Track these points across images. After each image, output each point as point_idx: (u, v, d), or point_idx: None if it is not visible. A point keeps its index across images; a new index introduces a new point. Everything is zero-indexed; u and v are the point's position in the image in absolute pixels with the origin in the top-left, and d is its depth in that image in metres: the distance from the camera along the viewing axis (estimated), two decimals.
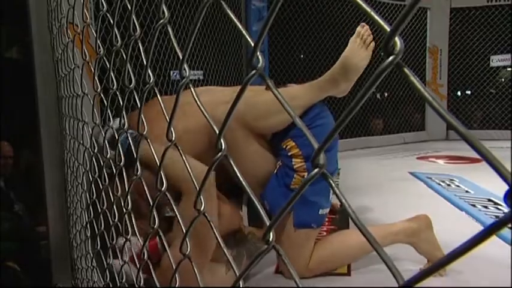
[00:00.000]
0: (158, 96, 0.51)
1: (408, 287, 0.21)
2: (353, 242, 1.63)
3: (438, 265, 0.23)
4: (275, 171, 1.57)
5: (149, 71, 0.48)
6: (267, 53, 4.52)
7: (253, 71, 0.29)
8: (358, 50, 1.53)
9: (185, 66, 0.38)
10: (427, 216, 1.70)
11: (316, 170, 0.25)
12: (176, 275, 0.50)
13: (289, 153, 1.54)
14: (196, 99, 0.39)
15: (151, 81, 0.48)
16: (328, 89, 1.56)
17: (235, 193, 1.60)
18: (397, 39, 0.21)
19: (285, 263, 0.31)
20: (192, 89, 0.41)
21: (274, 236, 0.31)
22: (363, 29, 1.54)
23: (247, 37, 0.31)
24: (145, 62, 0.47)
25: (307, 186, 0.28)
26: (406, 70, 0.22)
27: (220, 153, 0.35)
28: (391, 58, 0.22)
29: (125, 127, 0.64)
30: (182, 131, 1.37)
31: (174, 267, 0.49)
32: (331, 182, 0.25)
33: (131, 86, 0.55)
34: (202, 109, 0.39)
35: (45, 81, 1.47)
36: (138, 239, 1.21)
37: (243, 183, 0.36)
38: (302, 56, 5.25)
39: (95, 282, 1.06)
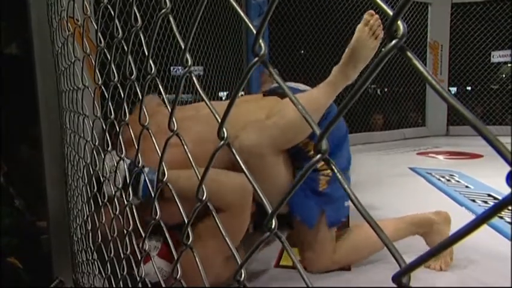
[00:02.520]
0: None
1: (409, 270, 0.21)
2: (373, 233, 1.62)
3: (439, 248, 0.23)
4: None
5: (150, 61, 0.48)
6: (267, 55, 4.48)
7: (256, 58, 0.29)
8: (366, 40, 1.42)
9: (187, 55, 0.38)
10: (448, 213, 1.71)
11: (318, 155, 0.25)
12: (178, 265, 0.50)
13: (310, 154, 1.49)
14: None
15: (152, 71, 0.48)
16: (342, 84, 1.49)
17: None
18: (400, 23, 0.21)
19: (288, 252, 0.31)
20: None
21: (276, 223, 0.31)
22: (372, 18, 1.42)
23: (250, 25, 0.31)
24: (146, 53, 0.47)
25: (328, 182, 0.28)
26: (409, 53, 0.22)
27: (222, 142, 0.35)
28: (394, 41, 0.22)
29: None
30: (194, 144, 1.25)
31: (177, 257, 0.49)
32: (333, 167, 0.25)
33: (132, 77, 0.55)
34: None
35: (45, 76, 1.46)
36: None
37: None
38: (302, 51, 5.24)
39: (96, 276, 1.06)
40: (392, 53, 0.24)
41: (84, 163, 1.02)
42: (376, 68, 0.23)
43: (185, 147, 0.45)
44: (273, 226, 0.30)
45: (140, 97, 0.53)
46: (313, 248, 1.57)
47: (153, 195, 0.58)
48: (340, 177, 0.25)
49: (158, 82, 0.49)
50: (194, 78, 0.39)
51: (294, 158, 1.53)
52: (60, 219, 1.52)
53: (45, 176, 1.54)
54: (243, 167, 0.34)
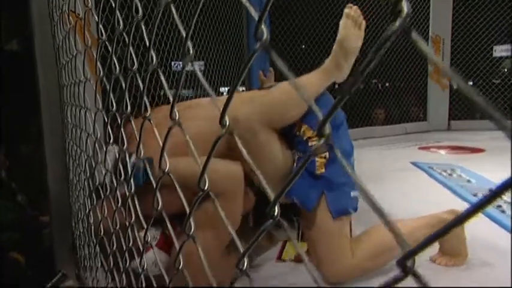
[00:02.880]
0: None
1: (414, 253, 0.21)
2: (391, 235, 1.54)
3: (441, 232, 0.23)
4: (294, 165, 1.48)
5: (152, 52, 0.48)
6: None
7: (259, 43, 0.29)
8: (350, 32, 1.49)
9: (189, 44, 0.38)
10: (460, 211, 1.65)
11: (322, 140, 0.25)
12: (180, 256, 0.50)
13: (305, 138, 1.47)
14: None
15: (154, 62, 0.48)
16: (334, 74, 1.52)
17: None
18: (404, 3, 0.21)
19: (292, 241, 0.31)
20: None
21: (279, 210, 0.31)
22: (351, 10, 1.50)
23: (251, 9, 0.31)
24: (148, 43, 0.47)
25: (330, 167, 0.28)
26: (414, 35, 0.22)
27: (224, 130, 0.34)
28: (398, 22, 0.22)
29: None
30: (196, 134, 1.29)
31: (178, 248, 0.49)
32: (338, 153, 0.25)
33: (134, 68, 0.55)
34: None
35: (46, 70, 1.46)
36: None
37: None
38: (303, 46, 5.23)
39: (98, 269, 1.07)
40: (395, 40, 0.24)
41: (85, 157, 1.02)
42: (380, 48, 0.23)
43: (186, 136, 0.45)
44: (275, 213, 0.30)
45: (141, 89, 0.52)
46: (322, 244, 1.48)
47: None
48: (344, 162, 0.25)
49: (160, 73, 0.49)
50: (196, 68, 0.39)
51: (290, 142, 1.50)
52: (62, 214, 1.53)
53: (47, 170, 1.55)
54: (242, 150, 0.34)
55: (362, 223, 1.62)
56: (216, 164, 1.25)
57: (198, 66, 3.59)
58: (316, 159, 1.46)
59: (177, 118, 0.44)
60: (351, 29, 1.49)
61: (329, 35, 4.86)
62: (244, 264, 0.36)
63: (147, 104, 0.55)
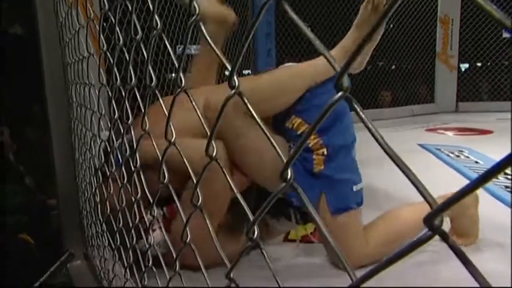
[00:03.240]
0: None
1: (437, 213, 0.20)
2: (407, 219, 1.48)
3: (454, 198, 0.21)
4: None
5: (156, 17, 0.46)
6: (273, 34, 4.44)
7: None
8: (370, 18, 1.40)
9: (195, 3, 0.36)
10: (477, 194, 1.57)
11: (340, 93, 0.23)
12: (187, 229, 0.49)
13: (298, 132, 1.39)
14: None
15: (158, 27, 0.46)
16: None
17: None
18: None
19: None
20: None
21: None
22: None
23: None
24: (151, 8, 0.45)
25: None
26: None
27: (234, 91, 0.33)
28: None
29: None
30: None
31: (184, 220, 0.48)
32: (355, 106, 0.23)
33: (138, 37, 0.53)
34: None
35: (50, 49, 1.44)
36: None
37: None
38: (310, 29, 5.14)
39: (105, 247, 1.07)
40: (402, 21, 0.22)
41: (91, 134, 1.01)
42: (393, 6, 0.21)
43: (193, 104, 0.43)
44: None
45: (146, 57, 0.51)
46: (339, 245, 1.47)
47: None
48: (364, 117, 0.23)
49: (164, 38, 0.47)
50: (202, 27, 0.37)
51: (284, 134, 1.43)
52: (69, 194, 1.53)
53: (53, 152, 1.54)
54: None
55: (376, 208, 1.61)
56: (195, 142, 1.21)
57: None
58: (314, 156, 1.38)
59: (183, 84, 0.43)
60: (371, 15, 1.40)
61: (336, 23, 4.79)
62: (254, 233, 0.35)
63: (152, 74, 0.53)
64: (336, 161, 1.40)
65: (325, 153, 1.37)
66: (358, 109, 0.23)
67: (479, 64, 5.89)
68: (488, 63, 5.71)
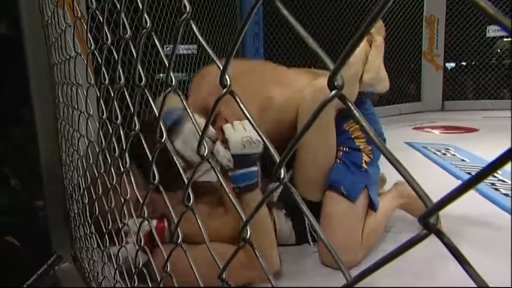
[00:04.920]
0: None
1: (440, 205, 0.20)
2: (386, 209, 1.66)
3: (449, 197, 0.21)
4: (337, 160, 1.56)
5: (145, 15, 0.45)
6: (261, 34, 4.45)
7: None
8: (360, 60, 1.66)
9: (185, 1, 0.36)
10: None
11: (333, 92, 0.23)
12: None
13: (353, 136, 1.57)
14: None
15: (148, 25, 0.45)
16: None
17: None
18: None
19: (299, 203, 0.30)
20: None
21: (285, 173, 0.29)
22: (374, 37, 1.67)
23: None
24: (140, 5, 0.44)
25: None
26: None
27: (225, 89, 0.32)
28: None
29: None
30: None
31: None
32: (349, 104, 0.23)
33: (127, 36, 0.53)
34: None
35: (35, 49, 1.42)
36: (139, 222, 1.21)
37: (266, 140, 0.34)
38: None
39: (94, 249, 1.05)
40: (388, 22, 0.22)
41: (78, 135, 1.00)
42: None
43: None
44: (282, 176, 0.28)
45: (135, 56, 0.50)
46: (341, 226, 1.49)
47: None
48: (354, 109, 0.23)
49: (154, 37, 0.46)
50: (193, 26, 0.37)
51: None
52: (56, 196, 1.51)
53: (40, 153, 1.52)
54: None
55: None
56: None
57: (191, 50, 3.53)
58: (364, 155, 1.56)
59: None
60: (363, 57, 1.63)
61: (324, 22, 4.80)
62: (247, 234, 0.35)
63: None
64: (374, 166, 1.60)
65: (371, 157, 1.57)
66: (352, 107, 0.23)
67: (464, 63, 5.97)
68: (473, 62, 5.79)
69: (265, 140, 0.30)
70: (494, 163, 0.17)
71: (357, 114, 0.23)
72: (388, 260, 0.22)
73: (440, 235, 0.21)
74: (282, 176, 0.29)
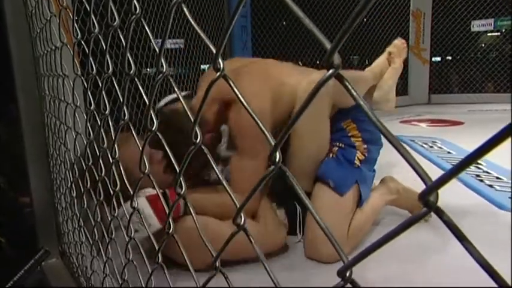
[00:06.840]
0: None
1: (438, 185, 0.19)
2: (374, 206, 1.66)
3: (448, 175, 0.21)
4: (331, 154, 1.55)
5: (135, 1, 0.44)
6: (249, 27, 4.44)
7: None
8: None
9: None
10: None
11: (331, 70, 0.23)
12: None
13: (349, 134, 1.58)
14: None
15: (137, 11, 0.44)
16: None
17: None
18: None
19: (296, 188, 0.29)
20: None
21: (280, 156, 0.29)
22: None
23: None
24: None
25: None
26: None
27: (218, 74, 0.32)
28: None
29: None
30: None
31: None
32: (347, 84, 0.23)
33: (115, 24, 0.51)
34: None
35: (19, 42, 1.39)
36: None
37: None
38: (284, 23, 5.15)
39: (83, 243, 1.04)
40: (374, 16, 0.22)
41: (65, 127, 0.98)
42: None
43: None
44: (277, 159, 0.28)
45: (124, 44, 0.49)
46: (327, 218, 1.46)
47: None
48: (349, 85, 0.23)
49: (144, 24, 0.45)
50: (186, 11, 0.36)
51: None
52: (43, 191, 1.48)
53: (25, 148, 1.49)
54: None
55: None
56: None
57: (178, 45, 3.50)
58: (358, 152, 1.56)
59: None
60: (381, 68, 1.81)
61: (311, 13, 4.81)
62: (241, 220, 0.34)
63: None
64: (368, 164, 1.60)
65: (366, 155, 1.57)
66: (350, 87, 0.23)
67: (449, 57, 6.04)
68: (458, 57, 5.86)
69: (258, 122, 0.30)
70: (495, 138, 0.17)
71: (354, 93, 0.23)
72: (388, 239, 0.22)
73: (440, 213, 0.20)
74: (277, 159, 0.28)
